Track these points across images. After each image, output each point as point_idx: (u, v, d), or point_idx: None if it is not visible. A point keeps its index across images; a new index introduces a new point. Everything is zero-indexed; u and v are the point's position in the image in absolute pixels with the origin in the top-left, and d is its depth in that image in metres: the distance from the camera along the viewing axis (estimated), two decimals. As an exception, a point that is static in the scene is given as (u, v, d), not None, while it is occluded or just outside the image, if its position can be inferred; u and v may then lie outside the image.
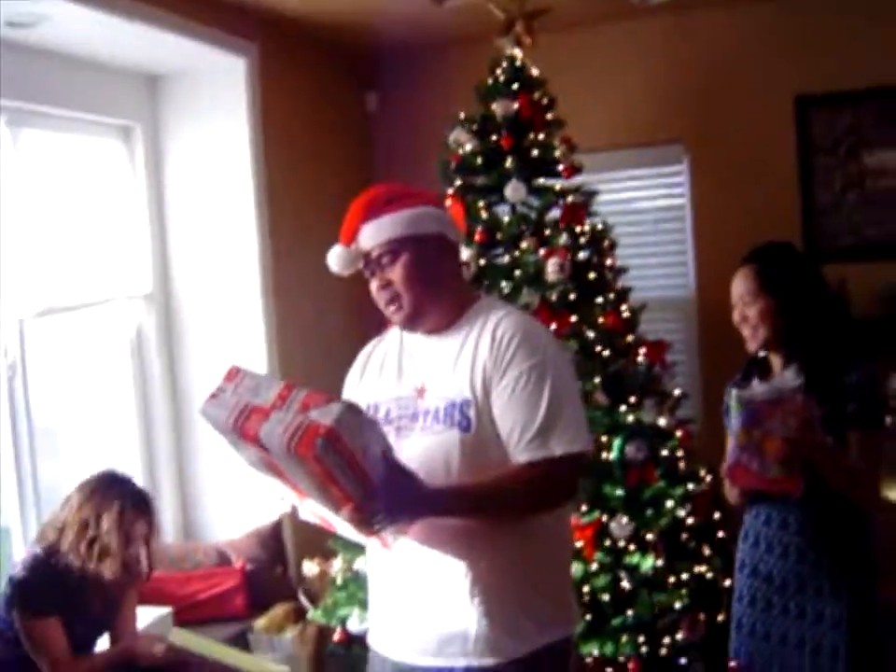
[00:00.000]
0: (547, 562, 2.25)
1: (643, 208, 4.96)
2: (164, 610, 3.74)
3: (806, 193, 4.64)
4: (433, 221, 2.25)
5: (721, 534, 3.92)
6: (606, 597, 3.59)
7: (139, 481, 4.25)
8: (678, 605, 3.61)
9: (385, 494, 1.96)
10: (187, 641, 3.17)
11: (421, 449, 2.20)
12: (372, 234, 2.24)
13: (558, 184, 4.03)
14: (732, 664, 2.89)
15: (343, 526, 2.16)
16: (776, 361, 2.80)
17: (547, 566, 2.25)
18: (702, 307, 4.71)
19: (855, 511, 2.71)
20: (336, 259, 2.30)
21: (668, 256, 4.93)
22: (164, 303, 4.44)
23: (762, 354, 2.84)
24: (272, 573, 4.21)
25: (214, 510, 4.42)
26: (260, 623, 3.97)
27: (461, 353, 2.22)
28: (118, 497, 3.01)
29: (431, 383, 2.24)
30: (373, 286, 2.28)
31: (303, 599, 4.10)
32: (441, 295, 2.25)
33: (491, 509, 2.14)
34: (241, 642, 3.92)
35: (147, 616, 3.64)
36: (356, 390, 2.39)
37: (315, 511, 2.19)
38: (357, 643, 3.77)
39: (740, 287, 2.81)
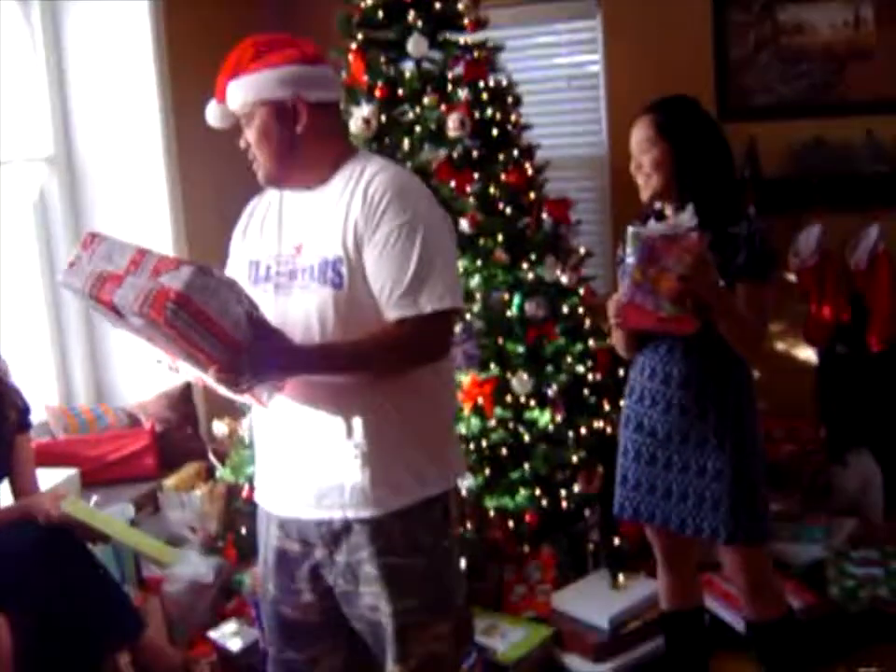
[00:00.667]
0: (426, 417, 2.28)
1: (554, 65, 4.87)
2: (71, 471, 3.77)
3: (720, 50, 4.57)
4: (290, 84, 2.20)
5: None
6: (504, 452, 3.66)
7: (47, 344, 4.31)
8: (574, 459, 3.69)
9: (249, 352, 1.98)
10: (81, 514, 3.16)
11: (298, 307, 2.21)
12: (233, 95, 2.25)
13: (462, 39, 3.95)
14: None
15: (219, 387, 2.17)
16: (668, 211, 2.80)
17: (426, 420, 2.28)
18: (614, 165, 4.67)
19: (738, 363, 2.76)
20: (210, 115, 2.33)
21: (580, 113, 4.87)
22: (67, 166, 4.35)
23: (657, 206, 2.84)
24: (181, 433, 4.24)
25: (124, 372, 4.42)
26: (170, 482, 4.00)
27: (335, 210, 2.21)
28: None
29: (308, 240, 2.24)
30: (241, 144, 2.30)
31: (213, 458, 4.14)
32: (299, 155, 2.24)
33: (361, 366, 2.16)
34: (151, 501, 3.97)
35: (54, 477, 3.68)
36: (239, 247, 2.39)
37: (191, 372, 2.20)
38: (262, 500, 3.84)
39: (637, 134, 2.84)
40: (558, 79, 4.84)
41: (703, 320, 2.59)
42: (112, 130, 4.31)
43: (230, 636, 3.50)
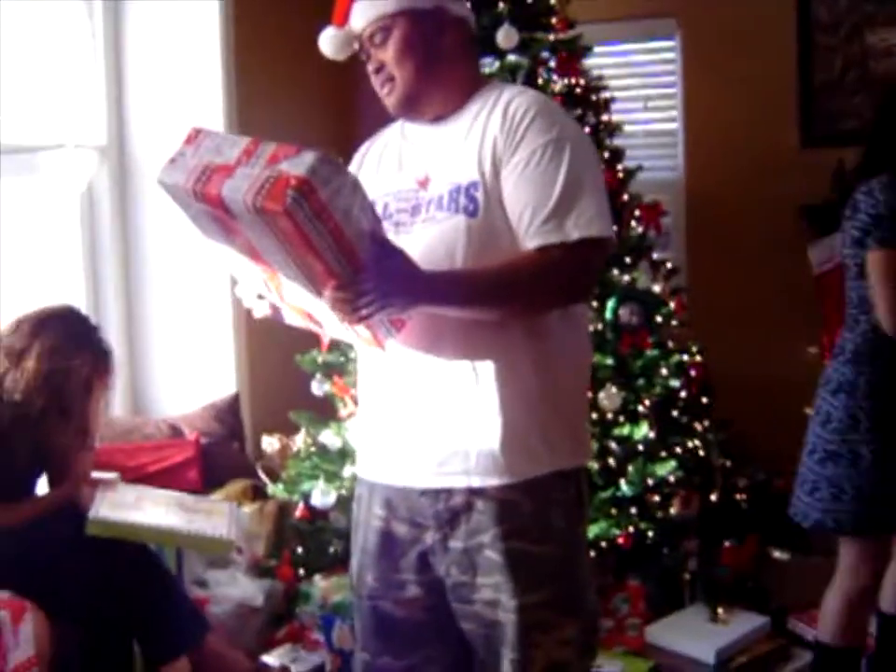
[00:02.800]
0: (563, 375, 1.99)
1: (632, 84, 4.73)
2: (111, 475, 3.40)
3: (805, 74, 4.45)
4: None
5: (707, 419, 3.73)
6: (594, 468, 3.36)
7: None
8: (671, 479, 3.39)
9: (373, 269, 1.69)
10: (112, 531, 2.81)
11: (421, 242, 1.93)
12: (363, 12, 2.01)
13: (551, 36, 3.77)
14: None
15: (330, 323, 1.88)
16: None
17: (563, 380, 1.99)
18: (690, 188, 4.53)
19: None
20: (328, 41, 2.09)
21: (657, 136, 4.74)
22: (119, 158, 4.09)
23: None
24: (228, 448, 3.91)
25: (166, 382, 4.11)
26: (215, 498, 3.68)
27: (469, 133, 1.96)
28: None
29: (435, 171, 1.98)
30: (369, 70, 2.04)
31: (262, 475, 3.83)
32: (440, 75, 2.01)
33: (495, 297, 1.87)
34: (194, 518, 3.64)
35: (92, 482, 3.36)
36: None
37: (297, 306, 1.92)
38: (320, 518, 3.54)
39: None
40: (636, 100, 4.69)
41: None
42: (168, 124, 4.07)
43: (286, 662, 3.15)
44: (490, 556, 1.93)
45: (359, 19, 2.02)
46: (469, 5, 2.13)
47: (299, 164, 1.63)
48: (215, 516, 2.95)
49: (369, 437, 2.11)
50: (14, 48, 3.70)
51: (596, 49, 4.44)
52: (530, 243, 1.88)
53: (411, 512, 2.01)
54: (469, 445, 1.92)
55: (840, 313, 4.05)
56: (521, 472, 1.92)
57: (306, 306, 1.90)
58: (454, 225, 1.92)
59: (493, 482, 1.92)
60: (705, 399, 3.76)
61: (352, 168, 2.16)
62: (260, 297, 2.03)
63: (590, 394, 3.32)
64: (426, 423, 1.96)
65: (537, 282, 1.88)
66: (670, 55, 4.66)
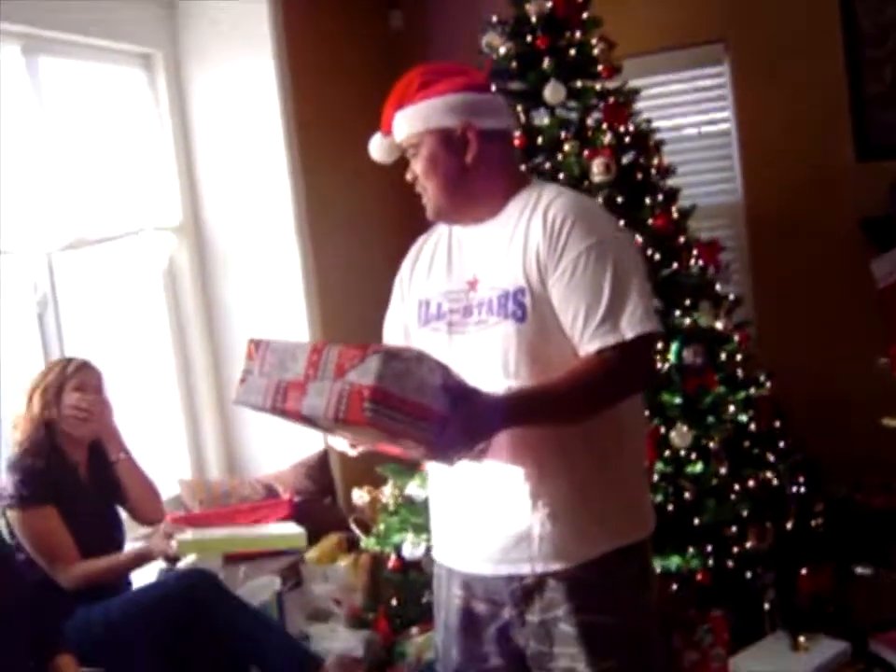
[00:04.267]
0: (620, 461, 2.11)
1: (684, 112, 4.77)
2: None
3: (856, 88, 4.44)
4: (458, 111, 2.09)
5: (783, 443, 3.79)
6: (670, 508, 3.46)
7: (180, 415, 4.24)
8: (744, 513, 3.48)
9: (455, 423, 1.81)
10: (194, 548, 3.10)
11: (475, 345, 2.06)
12: (400, 126, 2.14)
13: (598, 85, 3.86)
14: None
15: None
16: None
17: (620, 465, 2.11)
18: (750, 211, 4.55)
19: None
20: (375, 148, 2.23)
21: (713, 161, 4.75)
22: (196, 234, 4.32)
23: None
24: (320, 503, 4.11)
25: (257, 443, 4.32)
26: (312, 554, 3.87)
27: (512, 239, 2.08)
28: (54, 364, 3.15)
29: (483, 273, 2.10)
30: (407, 178, 2.18)
31: (354, 528, 4.00)
32: (470, 187, 2.12)
33: (568, 409, 1.98)
34: (293, 574, 3.81)
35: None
36: (406, 288, 2.26)
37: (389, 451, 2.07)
38: (412, 568, 3.69)
39: None
40: (688, 127, 4.74)
41: None
42: (240, 196, 4.29)
43: (389, 713, 3.33)
44: (564, 629, 2.06)
45: (398, 132, 2.15)
46: (503, 104, 2.20)
47: (366, 373, 1.72)
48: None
49: (441, 525, 2.25)
50: (87, 141, 3.93)
51: (649, 82, 4.55)
52: (589, 346, 1.98)
53: (487, 592, 2.15)
54: (531, 534, 2.06)
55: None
56: (580, 556, 2.05)
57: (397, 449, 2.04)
58: (504, 329, 2.04)
59: (555, 566, 2.06)
60: (777, 423, 3.82)
61: (405, 264, 2.29)
62: (353, 445, 2.14)
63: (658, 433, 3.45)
64: (490, 514, 2.10)
65: (603, 385, 1.99)
66: (720, 80, 4.68)
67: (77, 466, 3.07)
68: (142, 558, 3.03)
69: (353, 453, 2.17)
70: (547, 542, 2.05)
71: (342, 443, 2.14)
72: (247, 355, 1.97)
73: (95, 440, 3.17)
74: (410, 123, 2.12)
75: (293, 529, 3.19)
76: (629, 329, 1.97)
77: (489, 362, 2.04)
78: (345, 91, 4.62)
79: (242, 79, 4.25)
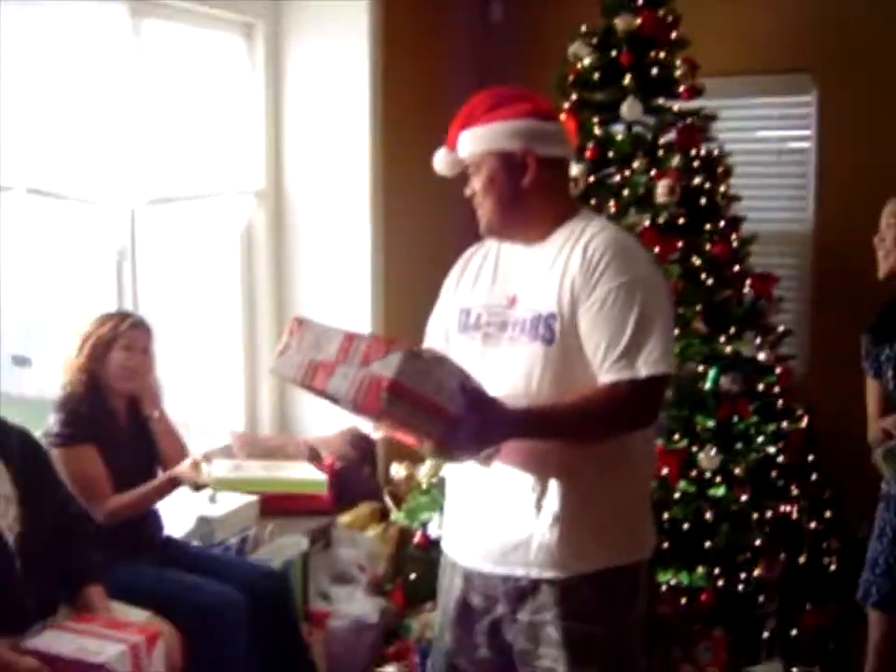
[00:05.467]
0: (624, 484, 2.24)
1: (764, 137, 4.80)
2: (251, 498, 3.83)
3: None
4: (520, 137, 2.22)
5: (813, 476, 3.85)
6: (686, 526, 3.56)
7: (240, 373, 4.42)
8: (758, 542, 3.57)
9: (466, 425, 1.96)
10: (226, 486, 3.33)
11: (505, 359, 2.21)
12: (464, 144, 2.28)
13: (676, 105, 3.93)
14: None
15: None
16: None
17: (623, 488, 2.24)
18: (818, 243, 4.56)
19: None
20: (438, 161, 2.37)
21: (787, 189, 4.76)
22: (275, 201, 4.48)
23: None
24: (360, 472, 4.28)
25: (310, 406, 4.48)
26: (344, 519, 4.05)
27: (553, 266, 2.21)
28: (109, 317, 3.23)
29: (522, 293, 2.24)
30: (466, 193, 2.32)
31: (388, 500, 4.17)
32: (523, 209, 2.25)
33: (573, 430, 2.14)
34: (323, 536, 4.01)
35: (231, 502, 3.69)
36: (452, 294, 2.41)
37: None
38: (435, 547, 3.83)
39: (889, 207, 2.84)
40: (767, 153, 4.75)
41: None
42: (322, 167, 4.44)
43: (392, 681, 3.52)
44: (550, 632, 2.21)
45: (462, 149, 2.28)
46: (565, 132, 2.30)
47: (387, 366, 1.89)
48: (300, 467, 3.56)
49: (451, 520, 2.42)
50: (182, 103, 4.11)
51: (731, 103, 4.56)
52: (604, 377, 2.12)
53: (485, 587, 2.30)
54: (531, 541, 2.20)
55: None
56: (574, 568, 2.19)
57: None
58: (533, 350, 2.18)
59: (549, 574, 2.20)
60: (810, 458, 3.88)
61: (455, 269, 2.44)
62: (375, 427, 2.33)
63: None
64: (495, 518, 2.24)
65: (609, 414, 2.13)
66: (805, 110, 4.67)
67: (117, 412, 3.23)
68: (170, 484, 3.18)
69: (375, 435, 2.35)
70: (545, 551, 2.19)
71: (367, 425, 2.32)
72: (289, 331, 2.13)
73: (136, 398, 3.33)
74: (474, 143, 2.26)
75: (315, 474, 3.45)
76: (644, 367, 2.10)
77: (515, 378, 2.18)
78: (436, 74, 4.74)
79: (337, 56, 4.38)
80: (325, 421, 4.41)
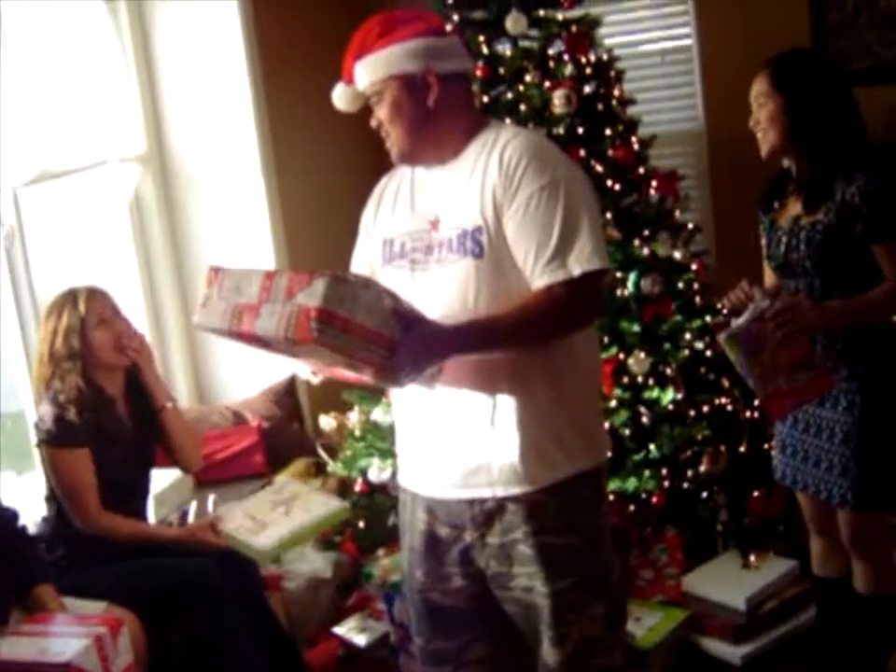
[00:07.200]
0: (574, 388, 2.21)
1: (646, 39, 4.78)
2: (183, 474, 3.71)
3: (817, 14, 4.45)
4: (418, 57, 2.16)
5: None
6: (626, 433, 3.57)
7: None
8: (699, 437, 3.60)
9: (404, 347, 1.93)
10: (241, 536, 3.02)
11: (436, 282, 2.16)
12: (361, 75, 2.21)
13: (560, 15, 3.88)
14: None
15: None
16: (791, 168, 2.78)
17: (574, 392, 2.21)
18: (711, 138, 4.60)
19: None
20: (338, 98, 2.31)
21: (675, 88, 4.78)
22: (160, 164, 4.33)
23: (784, 163, 2.81)
24: (288, 429, 4.21)
25: (225, 371, 4.39)
26: (280, 478, 3.95)
27: (470, 180, 2.16)
28: (59, 306, 3.02)
29: (444, 213, 2.19)
30: (372, 123, 2.25)
31: (322, 453, 4.10)
32: (433, 129, 2.20)
33: (514, 339, 2.09)
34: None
35: (167, 477, 3.66)
36: (371, 228, 2.35)
37: (347, 377, 2.16)
38: (378, 492, 3.80)
39: (755, 89, 2.79)
40: (651, 55, 4.75)
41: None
42: (205, 125, 4.30)
43: (355, 631, 3.45)
44: (523, 550, 2.19)
45: (360, 81, 2.21)
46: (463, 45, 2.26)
47: (313, 295, 1.84)
48: (310, 498, 3.12)
49: (405, 452, 2.36)
50: (47, 72, 3.91)
51: (611, 9, 4.54)
52: (538, 282, 2.08)
53: (450, 517, 2.26)
54: (491, 460, 2.17)
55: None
56: (540, 480, 2.17)
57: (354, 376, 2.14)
58: (463, 266, 2.13)
59: (515, 490, 2.17)
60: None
61: (370, 203, 2.37)
62: (313, 372, 2.25)
63: (613, 364, 3.54)
64: (452, 441, 2.20)
65: (549, 319, 2.09)
66: (682, 7, 4.68)
67: (115, 401, 3.07)
68: (183, 542, 3.05)
69: (315, 380, 2.29)
70: (508, 467, 2.16)
71: (304, 371, 2.25)
72: (207, 281, 2.07)
73: (132, 373, 3.14)
74: (371, 71, 2.18)
75: (336, 504, 3.15)
76: (577, 265, 2.06)
77: (450, 298, 2.13)
78: (308, 14, 4.60)
79: (206, 7, 4.21)
80: (244, 384, 4.32)
